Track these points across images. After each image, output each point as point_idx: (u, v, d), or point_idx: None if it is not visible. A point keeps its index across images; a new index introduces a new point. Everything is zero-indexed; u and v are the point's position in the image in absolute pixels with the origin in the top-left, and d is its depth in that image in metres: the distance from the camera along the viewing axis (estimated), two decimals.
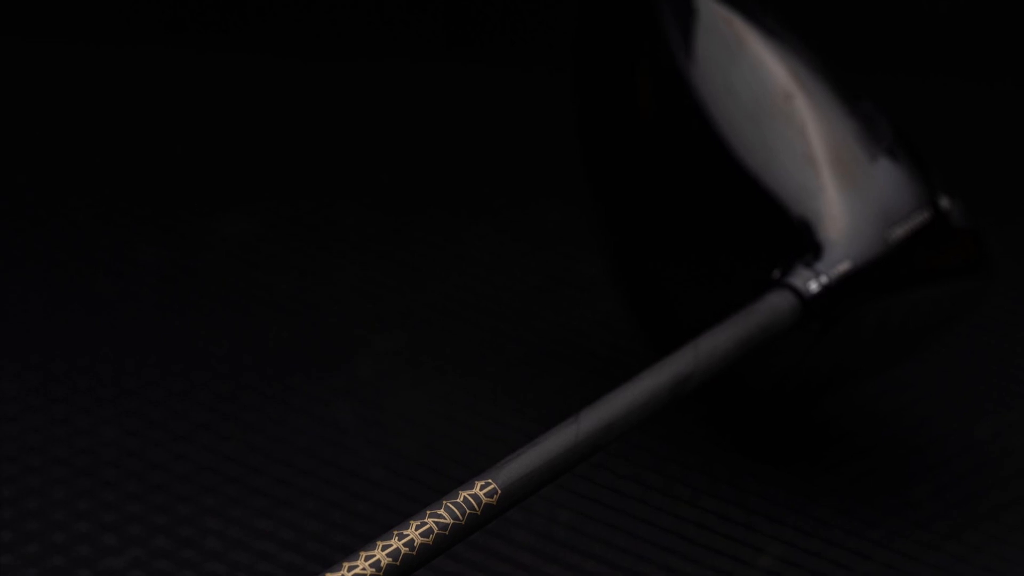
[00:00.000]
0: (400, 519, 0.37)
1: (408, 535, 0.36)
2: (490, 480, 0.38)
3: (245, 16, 0.83)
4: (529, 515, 0.49)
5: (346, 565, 0.36)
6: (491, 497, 0.38)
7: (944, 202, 0.50)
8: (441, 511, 0.37)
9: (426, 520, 0.37)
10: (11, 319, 0.60)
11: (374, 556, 0.36)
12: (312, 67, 0.82)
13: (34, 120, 0.76)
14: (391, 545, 0.36)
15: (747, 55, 0.52)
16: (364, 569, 0.36)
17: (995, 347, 0.63)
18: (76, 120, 0.76)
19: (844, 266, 0.48)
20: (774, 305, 0.47)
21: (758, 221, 0.51)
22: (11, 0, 0.81)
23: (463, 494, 0.38)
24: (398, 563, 0.36)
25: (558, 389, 0.58)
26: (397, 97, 0.80)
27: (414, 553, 0.36)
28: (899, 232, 0.49)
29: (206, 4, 0.83)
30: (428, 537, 0.37)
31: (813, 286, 0.47)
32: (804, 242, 0.48)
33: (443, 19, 0.83)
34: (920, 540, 0.51)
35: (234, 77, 0.81)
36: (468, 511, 0.37)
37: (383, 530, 0.37)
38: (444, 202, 0.72)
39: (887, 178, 0.51)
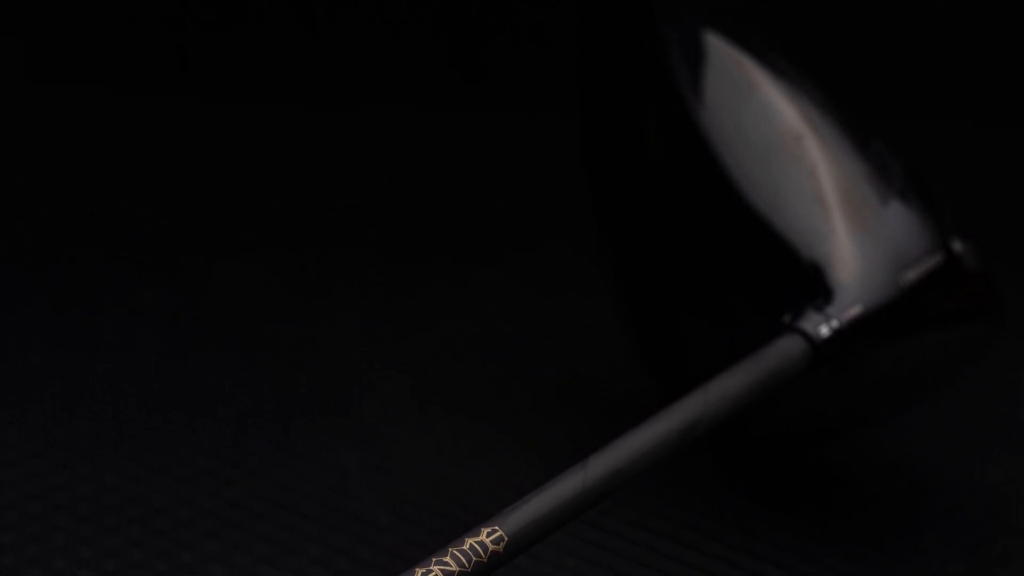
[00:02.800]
0: (405, 566, 0.37)
1: None
2: (497, 527, 0.38)
3: (250, 61, 0.83)
4: (536, 561, 0.48)
5: None
6: (497, 544, 0.38)
7: (956, 245, 0.50)
8: (447, 558, 0.37)
9: (431, 568, 0.36)
10: (12, 363, 0.59)
11: None
12: (317, 112, 0.82)
13: (37, 164, 0.76)
14: None
15: (757, 96, 0.52)
16: None
17: (1005, 390, 0.62)
18: (79, 164, 0.76)
19: (855, 310, 0.48)
20: (784, 350, 0.46)
21: (768, 264, 0.51)
22: (15, 44, 0.81)
23: (469, 541, 0.37)
24: None
25: (566, 434, 0.57)
26: (402, 142, 0.80)
27: None
28: (911, 275, 0.49)
29: (212, 49, 0.83)
30: None
31: (824, 330, 0.47)
32: (815, 285, 0.48)
33: (449, 64, 0.83)
34: None
35: (238, 122, 0.81)
36: (474, 558, 0.37)
37: None
38: (451, 247, 0.72)
39: (899, 220, 0.51)
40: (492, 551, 0.37)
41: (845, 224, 0.49)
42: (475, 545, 0.37)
